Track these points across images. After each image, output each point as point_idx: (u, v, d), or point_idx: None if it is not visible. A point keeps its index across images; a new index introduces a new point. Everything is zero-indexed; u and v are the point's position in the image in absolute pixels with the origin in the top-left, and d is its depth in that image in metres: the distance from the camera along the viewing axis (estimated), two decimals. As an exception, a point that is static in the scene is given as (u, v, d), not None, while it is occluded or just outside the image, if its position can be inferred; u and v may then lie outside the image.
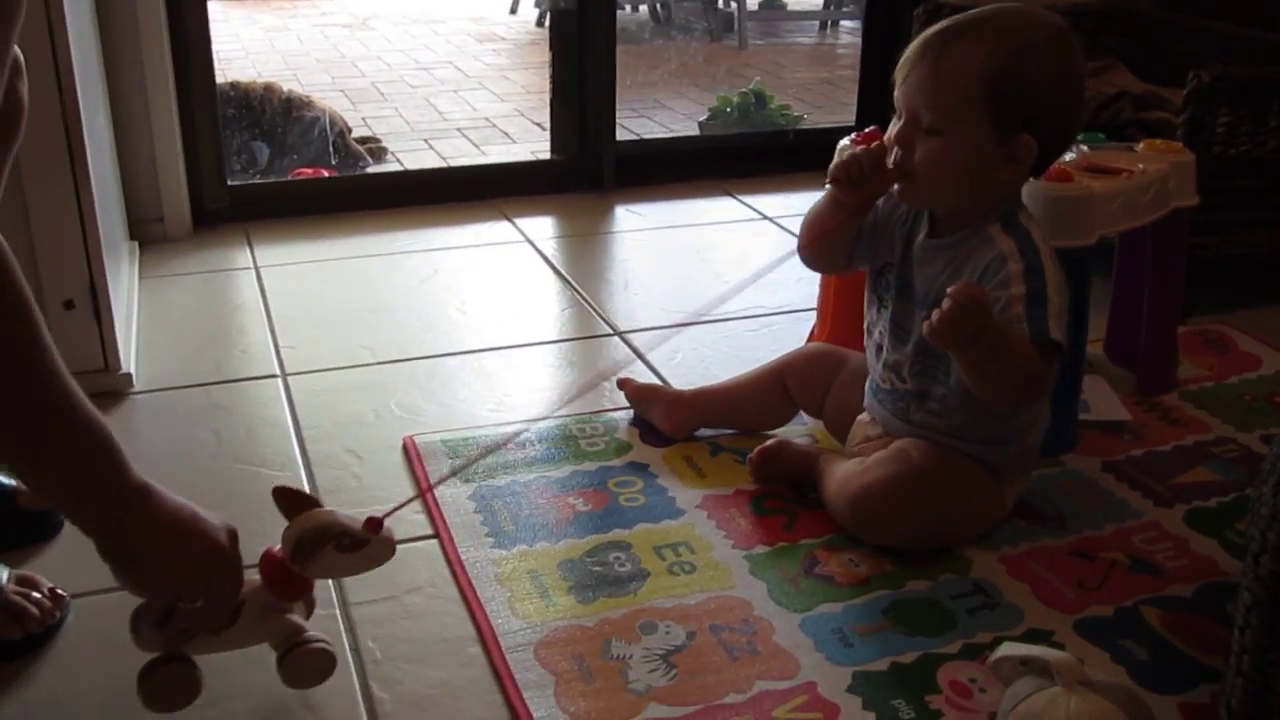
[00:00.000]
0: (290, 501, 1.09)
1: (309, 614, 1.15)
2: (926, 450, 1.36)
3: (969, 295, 1.19)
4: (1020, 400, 1.32)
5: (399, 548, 1.35)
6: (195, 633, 1.06)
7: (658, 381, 1.79)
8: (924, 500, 1.34)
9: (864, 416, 1.48)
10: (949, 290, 1.20)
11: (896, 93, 1.33)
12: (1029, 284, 1.27)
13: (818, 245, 1.45)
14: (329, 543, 1.06)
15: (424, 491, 1.45)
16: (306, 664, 1.09)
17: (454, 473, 1.50)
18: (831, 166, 1.39)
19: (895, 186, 1.35)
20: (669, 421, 1.62)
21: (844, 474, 1.40)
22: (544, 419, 1.67)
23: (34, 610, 1.18)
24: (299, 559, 1.07)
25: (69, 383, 0.94)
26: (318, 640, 1.10)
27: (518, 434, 1.61)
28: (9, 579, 1.20)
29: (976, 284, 1.24)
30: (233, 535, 1.04)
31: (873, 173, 1.33)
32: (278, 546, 1.09)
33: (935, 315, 1.20)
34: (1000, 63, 1.26)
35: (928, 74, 1.28)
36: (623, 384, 1.69)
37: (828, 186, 1.40)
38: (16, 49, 1.18)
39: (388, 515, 1.10)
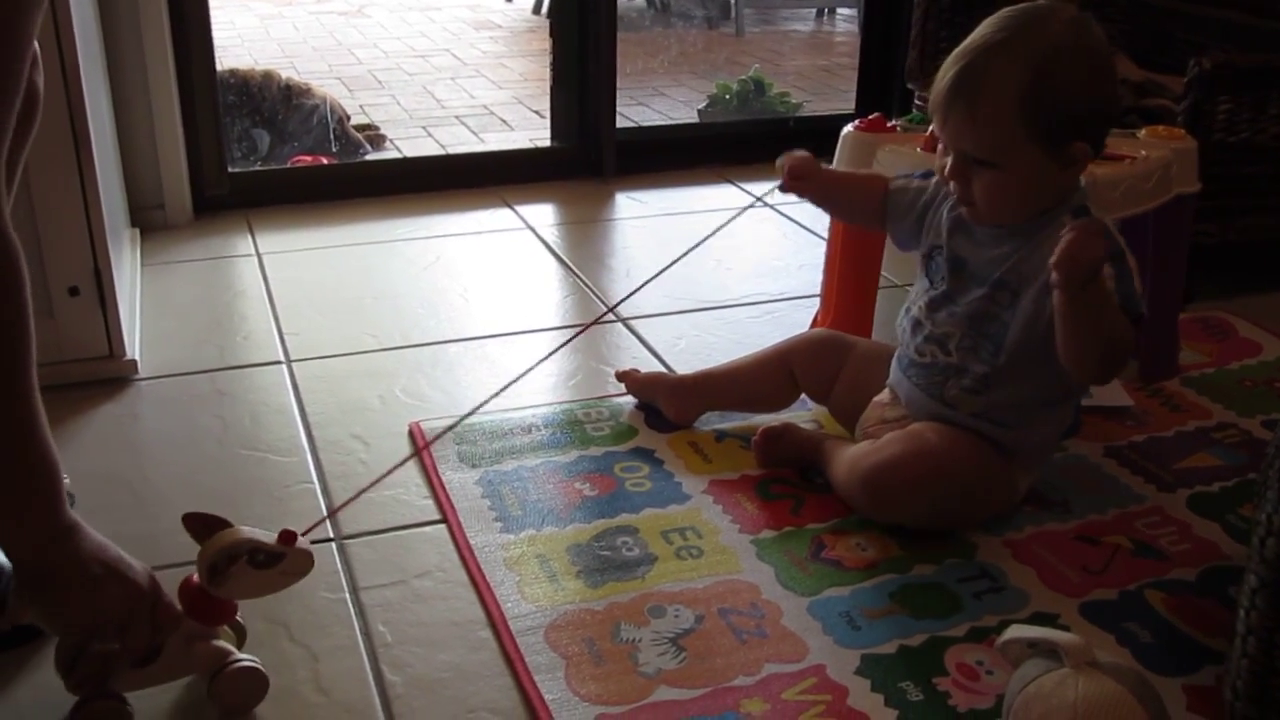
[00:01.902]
0: (200, 526, 1.07)
1: (242, 640, 1.14)
2: (943, 432, 1.37)
3: (1091, 227, 1.19)
4: (1101, 369, 1.32)
5: (410, 533, 1.38)
6: (105, 676, 1.04)
7: (660, 368, 1.80)
8: (938, 480, 1.35)
9: (883, 397, 1.48)
10: (1069, 225, 1.20)
11: (938, 131, 1.34)
12: (1114, 266, 1.26)
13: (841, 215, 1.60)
14: (241, 559, 1.05)
15: (331, 513, 1.40)
16: (234, 685, 1.08)
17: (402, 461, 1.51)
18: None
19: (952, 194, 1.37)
20: (674, 409, 1.63)
21: (855, 453, 1.41)
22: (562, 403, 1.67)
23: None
24: (215, 581, 1.05)
25: (38, 408, 0.97)
26: (244, 660, 1.09)
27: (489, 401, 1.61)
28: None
29: (1093, 222, 1.23)
30: (152, 579, 1.05)
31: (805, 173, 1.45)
32: (195, 575, 1.07)
33: (1062, 245, 1.18)
34: (1034, 87, 1.25)
35: (965, 117, 1.29)
36: (622, 377, 1.70)
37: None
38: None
39: (308, 532, 1.11)
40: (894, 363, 1.48)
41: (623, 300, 1.40)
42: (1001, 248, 1.36)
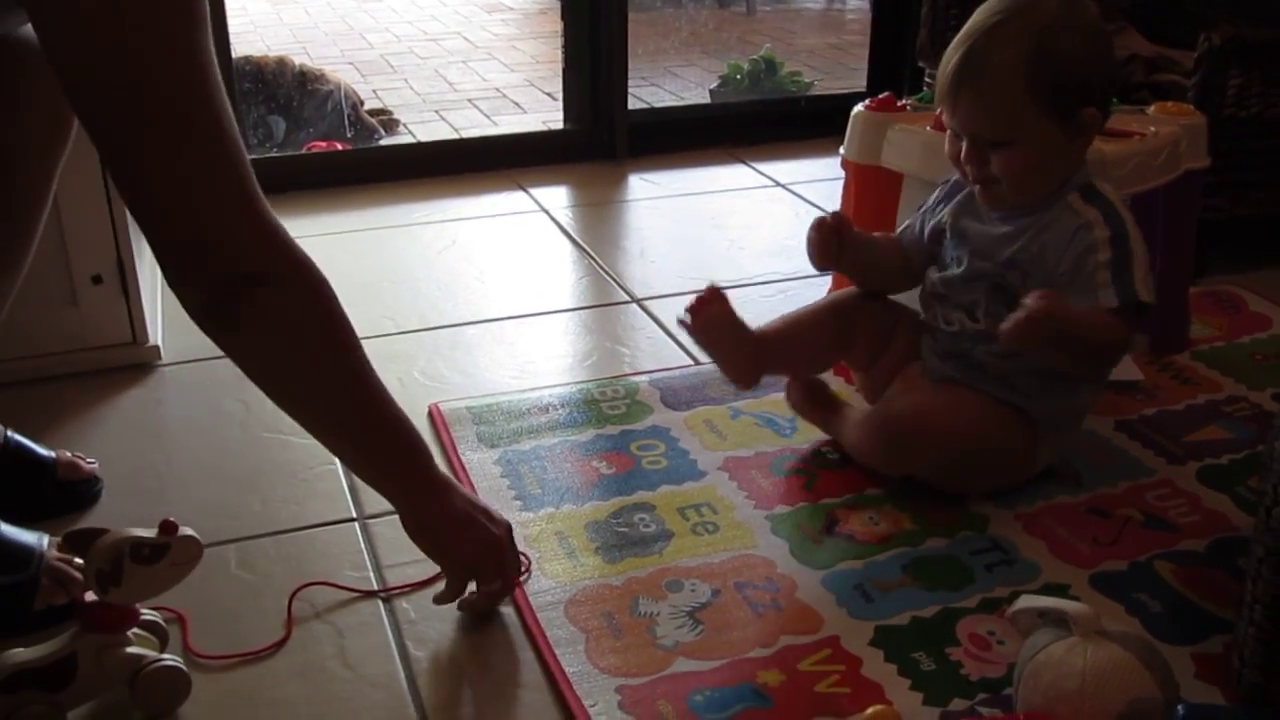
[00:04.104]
0: (80, 540, 1.07)
1: (164, 644, 1.14)
2: (964, 391, 1.40)
3: (1044, 310, 1.22)
4: (1101, 368, 1.37)
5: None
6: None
7: (674, 349, 1.82)
8: (959, 432, 1.37)
9: (914, 369, 1.49)
10: (1024, 301, 1.24)
11: (947, 119, 1.37)
12: (1115, 250, 1.30)
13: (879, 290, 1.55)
14: (125, 558, 1.04)
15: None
16: (154, 686, 1.08)
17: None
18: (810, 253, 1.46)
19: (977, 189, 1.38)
20: (734, 370, 1.48)
21: (879, 405, 1.44)
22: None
23: (77, 575, 1.21)
24: (106, 586, 1.04)
25: (386, 394, 1.15)
26: (163, 660, 1.09)
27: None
28: (50, 546, 1.23)
29: (1055, 294, 1.25)
30: (507, 529, 1.23)
31: (839, 243, 1.43)
32: (90, 593, 1.08)
33: (1009, 324, 1.24)
34: (1036, 62, 1.28)
35: (973, 98, 1.32)
36: (699, 307, 1.45)
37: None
38: None
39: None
40: (924, 341, 1.49)
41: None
42: (1007, 227, 1.38)
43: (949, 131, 1.38)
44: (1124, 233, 1.31)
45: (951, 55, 1.34)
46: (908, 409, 1.41)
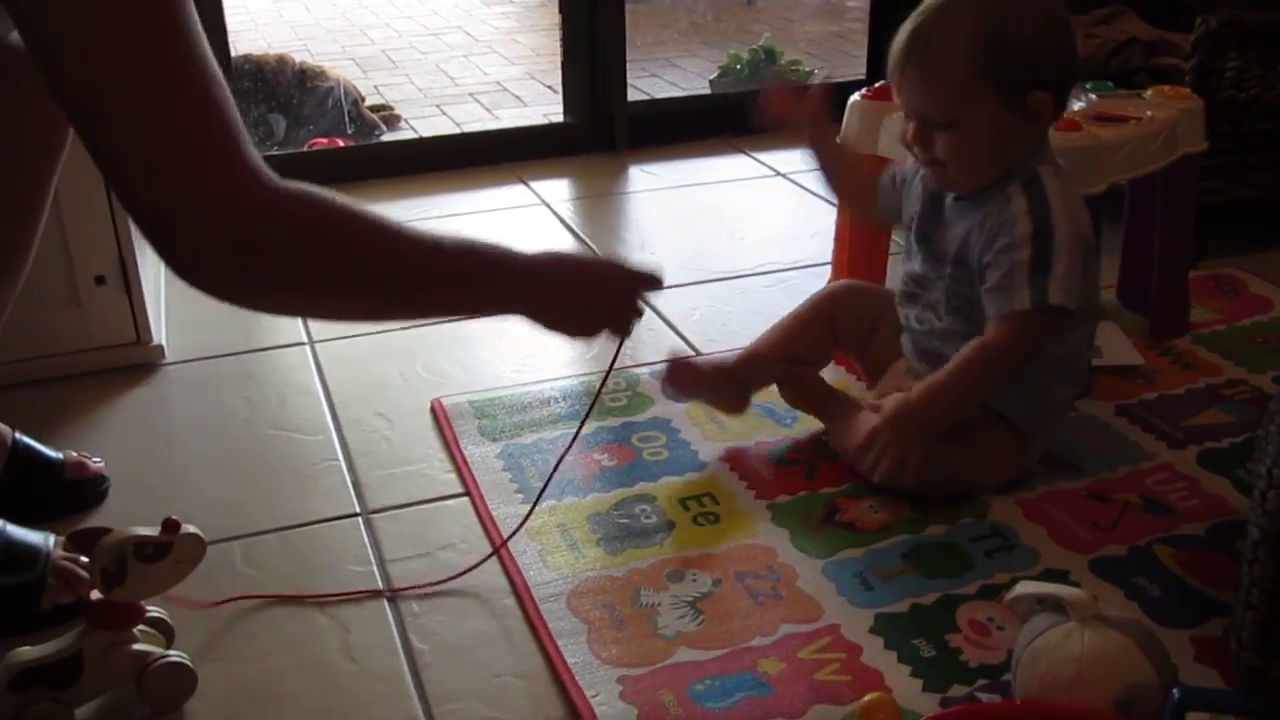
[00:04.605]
0: (85, 540, 1.08)
1: (170, 640, 1.15)
2: None
3: (888, 424, 1.32)
4: (1021, 374, 1.34)
5: (434, 506, 1.42)
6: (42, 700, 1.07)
7: (675, 339, 1.83)
8: (939, 448, 1.36)
9: (900, 366, 1.50)
10: (863, 437, 1.35)
11: (896, 98, 1.35)
12: (1035, 248, 1.28)
13: (836, 192, 1.59)
14: (129, 556, 1.05)
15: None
16: (160, 682, 1.10)
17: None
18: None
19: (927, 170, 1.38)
20: (722, 402, 1.56)
21: (861, 420, 1.43)
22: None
23: (83, 574, 1.23)
24: (111, 584, 1.06)
25: (429, 245, 1.06)
26: (170, 657, 1.11)
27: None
28: (56, 545, 1.24)
29: (887, 422, 1.33)
30: (614, 276, 1.22)
31: (794, 98, 1.45)
32: (95, 591, 1.09)
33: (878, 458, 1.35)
34: (984, 40, 1.26)
35: (919, 76, 1.30)
36: (672, 380, 1.55)
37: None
38: None
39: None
40: (903, 339, 1.50)
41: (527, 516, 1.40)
42: (959, 222, 1.37)
43: (903, 113, 1.37)
44: (1047, 228, 1.28)
45: (900, 33, 1.32)
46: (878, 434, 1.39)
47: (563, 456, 1.38)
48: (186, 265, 0.92)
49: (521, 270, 1.13)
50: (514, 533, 1.33)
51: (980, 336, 1.32)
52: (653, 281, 1.23)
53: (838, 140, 1.53)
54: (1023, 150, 1.33)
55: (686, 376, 1.54)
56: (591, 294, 1.20)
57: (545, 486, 1.36)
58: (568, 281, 1.18)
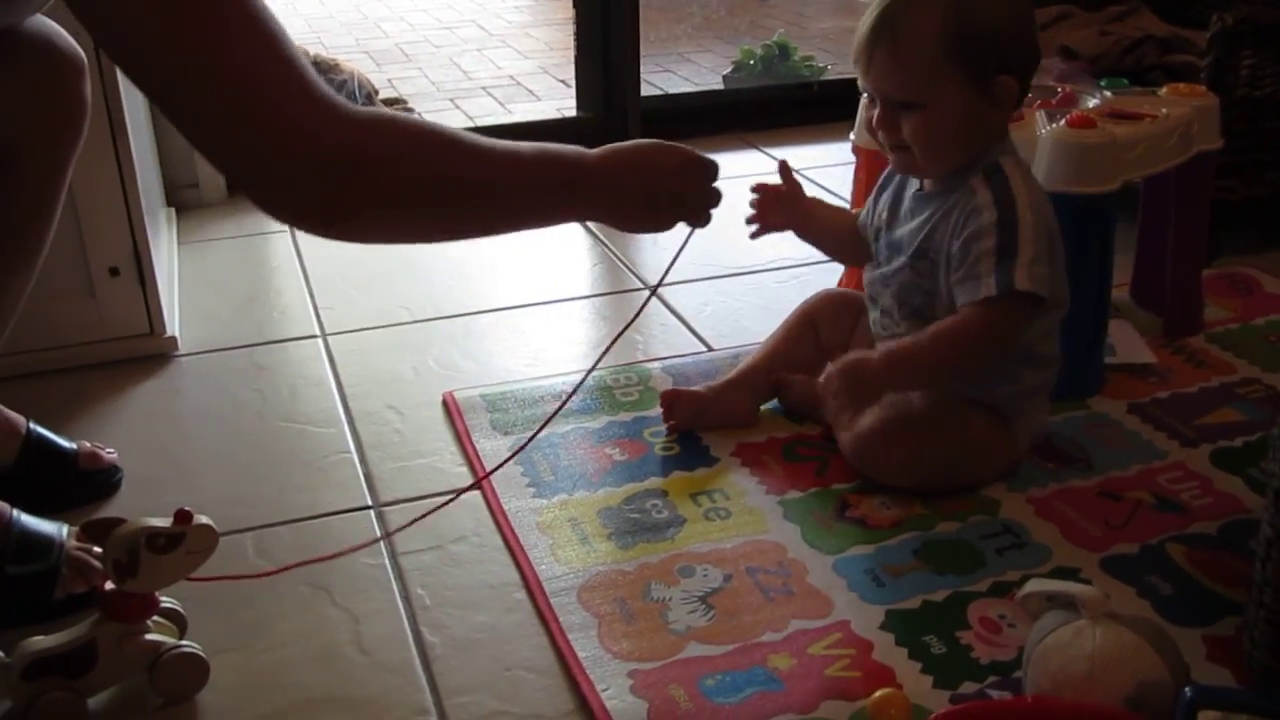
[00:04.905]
0: (98, 530, 1.09)
1: (183, 630, 1.16)
2: (925, 395, 1.39)
3: (832, 387, 1.29)
4: (993, 360, 1.35)
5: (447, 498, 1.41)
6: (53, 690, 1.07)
7: (687, 334, 1.83)
8: (921, 443, 1.37)
9: None
10: (819, 383, 1.31)
11: (861, 81, 1.35)
12: (999, 236, 1.28)
13: (827, 254, 1.65)
14: (141, 547, 1.05)
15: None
16: (172, 672, 1.10)
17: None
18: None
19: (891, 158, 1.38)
20: (733, 422, 1.56)
21: (850, 419, 1.44)
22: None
23: (97, 564, 1.23)
24: (123, 575, 1.06)
25: (507, 157, 1.08)
26: (182, 647, 1.11)
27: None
28: (69, 535, 1.25)
29: (838, 369, 1.30)
30: (680, 164, 1.23)
31: (771, 200, 1.49)
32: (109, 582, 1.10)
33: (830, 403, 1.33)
34: (954, 22, 1.26)
35: (887, 58, 1.30)
36: (669, 412, 1.56)
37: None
38: (79, 50, 1.23)
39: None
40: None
41: (660, 282, 1.48)
42: (922, 215, 1.37)
43: (864, 97, 1.37)
44: (1012, 218, 1.29)
45: (868, 15, 1.32)
46: (867, 431, 1.39)
47: (568, 399, 1.41)
48: (287, 199, 0.95)
49: (593, 169, 1.16)
50: (501, 464, 1.39)
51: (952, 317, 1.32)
52: (710, 168, 1.25)
53: (812, 203, 1.56)
54: (986, 136, 1.34)
55: (686, 405, 1.54)
56: (657, 183, 1.21)
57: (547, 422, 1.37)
58: (632, 173, 1.19)
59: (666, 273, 1.40)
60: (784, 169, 1.52)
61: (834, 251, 1.63)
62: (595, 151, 1.16)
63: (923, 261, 1.36)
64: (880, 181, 1.49)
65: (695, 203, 1.25)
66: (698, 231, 1.31)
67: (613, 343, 1.46)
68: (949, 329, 1.31)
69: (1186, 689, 0.98)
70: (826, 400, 1.39)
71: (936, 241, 1.35)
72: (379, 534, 1.36)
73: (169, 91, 0.91)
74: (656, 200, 1.22)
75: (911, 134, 1.32)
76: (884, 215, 1.45)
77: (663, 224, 1.25)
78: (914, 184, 1.42)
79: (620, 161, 1.18)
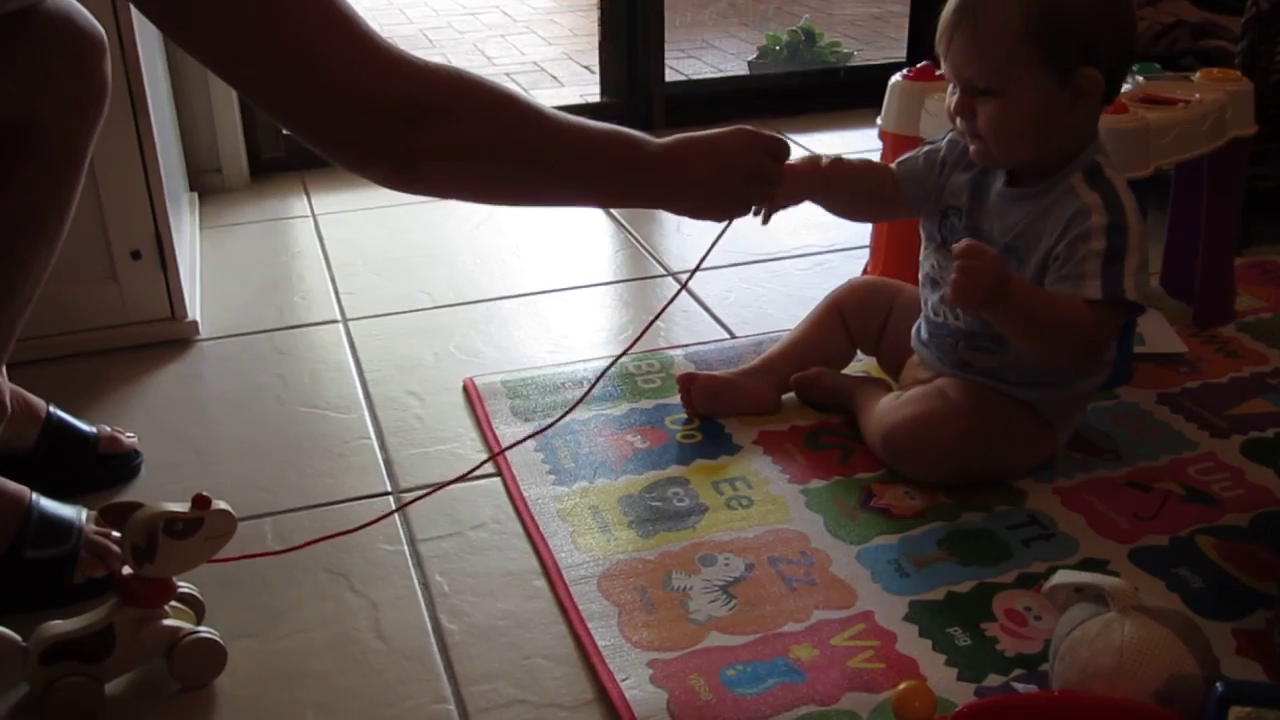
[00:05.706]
0: (117, 514, 1.08)
1: (201, 616, 1.15)
2: (963, 389, 1.36)
3: (968, 251, 1.20)
4: (1077, 360, 1.32)
5: (465, 486, 1.40)
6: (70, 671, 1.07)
7: (711, 322, 1.81)
8: (955, 439, 1.34)
9: (915, 358, 1.49)
10: (952, 247, 1.22)
11: (943, 65, 1.31)
12: (1110, 240, 1.24)
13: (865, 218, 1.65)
14: (159, 532, 1.05)
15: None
16: (190, 658, 1.10)
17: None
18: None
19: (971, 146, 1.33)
20: (754, 407, 1.55)
21: (880, 409, 1.42)
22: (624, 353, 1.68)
23: (115, 548, 1.23)
24: (141, 560, 1.06)
25: (577, 134, 1.12)
26: (200, 632, 1.10)
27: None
28: (88, 519, 1.25)
29: (977, 243, 1.22)
30: (743, 148, 1.23)
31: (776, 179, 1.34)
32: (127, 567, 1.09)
33: (949, 284, 1.22)
34: (1036, 7, 1.22)
35: (968, 40, 1.26)
36: (686, 395, 1.54)
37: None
38: (100, 28, 1.22)
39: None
40: (914, 327, 1.48)
41: (693, 273, 1.49)
42: (1014, 214, 1.33)
43: (949, 85, 1.33)
44: (1122, 223, 1.25)
45: None
46: (903, 423, 1.37)
47: (605, 371, 1.39)
48: (358, 151, 1.00)
49: (660, 150, 1.18)
50: (520, 441, 1.40)
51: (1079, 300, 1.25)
52: (779, 145, 1.25)
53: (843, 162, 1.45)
54: (1068, 134, 1.30)
55: (703, 387, 1.53)
56: (728, 160, 1.22)
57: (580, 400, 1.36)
58: (699, 155, 1.21)
59: (700, 263, 1.39)
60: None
61: (865, 211, 1.57)
62: (661, 141, 1.19)
63: (1009, 258, 1.31)
64: (953, 156, 1.41)
65: (764, 182, 1.26)
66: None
67: (642, 333, 1.45)
68: (1069, 311, 1.25)
69: (1218, 684, 0.96)
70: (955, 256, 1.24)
71: (1029, 240, 1.31)
72: (397, 519, 1.35)
73: (230, 49, 0.93)
74: (730, 177, 1.23)
75: (985, 121, 1.27)
76: (965, 199, 1.39)
77: (737, 204, 1.26)
78: (1000, 178, 1.36)
79: (685, 145, 1.20)
